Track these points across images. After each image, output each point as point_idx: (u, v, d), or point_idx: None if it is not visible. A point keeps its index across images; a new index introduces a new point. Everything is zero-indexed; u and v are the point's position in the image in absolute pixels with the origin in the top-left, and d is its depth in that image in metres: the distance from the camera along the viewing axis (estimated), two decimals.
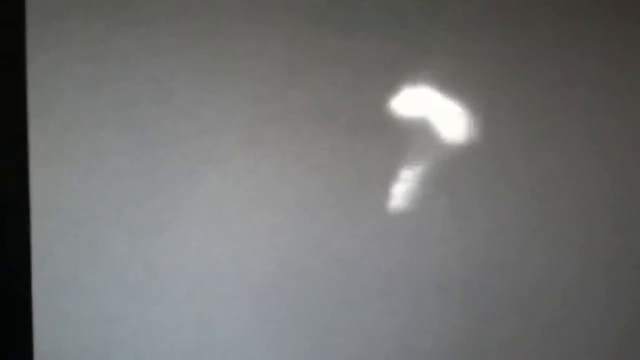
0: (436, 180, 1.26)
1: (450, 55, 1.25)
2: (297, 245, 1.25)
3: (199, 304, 1.23)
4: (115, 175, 1.21)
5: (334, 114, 1.24)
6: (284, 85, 1.23)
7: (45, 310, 1.21)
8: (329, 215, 1.25)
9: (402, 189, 1.26)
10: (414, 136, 1.26)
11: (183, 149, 1.22)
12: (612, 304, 1.30)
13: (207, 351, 1.24)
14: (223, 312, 1.24)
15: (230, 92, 1.22)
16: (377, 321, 1.27)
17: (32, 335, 1.21)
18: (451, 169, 1.26)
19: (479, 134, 1.26)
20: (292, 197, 1.24)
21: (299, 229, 1.25)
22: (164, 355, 1.23)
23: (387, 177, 1.26)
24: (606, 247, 1.29)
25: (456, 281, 1.27)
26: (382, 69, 1.25)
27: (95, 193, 1.21)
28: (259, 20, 1.22)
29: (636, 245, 1.30)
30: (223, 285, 1.24)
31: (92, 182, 1.21)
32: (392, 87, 1.25)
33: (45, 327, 1.22)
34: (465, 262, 1.27)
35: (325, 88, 1.24)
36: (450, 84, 1.26)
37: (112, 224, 1.21)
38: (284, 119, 1.23)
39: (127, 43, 1.20)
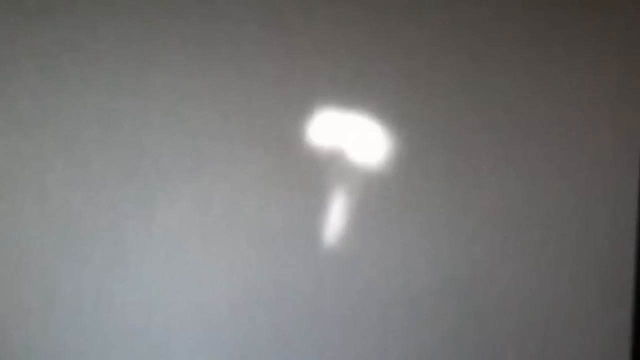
0: (409, 200, 1.24)
1: (425, 61, 1.23)
2: (256, 274, 1.23)
3: (156, 337, 1.22)
4: (64, 211, 1.20)
5: (292, 138, 1.22)
6: (236, 116, 1.22)
7: (1, 347, 1.21)
8: (289, 241, 1.23)
9: (374, 208, 1.24)
10: (387, 155, 1.24)
11: (129, 183, 1.21)
12: (603, 308, 1.26)
13: None
14: (180, 344, 1.22)
15: (179, 125, 1.21)
16: (349, 341, 1.24)
17: None
18: (424, 188, 1.24)
19: (454, 151, 1.24)
20: (248, 223, 1.22)
21: (257, 257, 1.23)
22: None
23: (355, 197, 1.23)
24: (596, 252, 1.26)
25: (429, 298, 1.24)
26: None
27: (42, 229, 1.20)
28: (212, 49, 1.22)
29: (627, 249, 1.26)
30: (180, 318, 1.22)
31: (38, 218, 1.20)
32: (361, 103, 1.23)
33: None
34: (438, 279, 1.24)
35: (282, 112, 1.22)
36: (427, 97, 1.24)
37: (64, 260, 1.21)
38: (235, 150, 1.22)
39: (69, 76, 1.20)
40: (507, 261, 1.25)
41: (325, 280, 1.24)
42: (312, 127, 1.23)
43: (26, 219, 1.20)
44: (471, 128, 1.25)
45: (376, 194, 1.24)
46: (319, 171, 1.23)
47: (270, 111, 1.22)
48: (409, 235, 1.24)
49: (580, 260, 1.26)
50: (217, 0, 1.22)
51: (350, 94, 1.24)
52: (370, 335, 1.24)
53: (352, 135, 1.24)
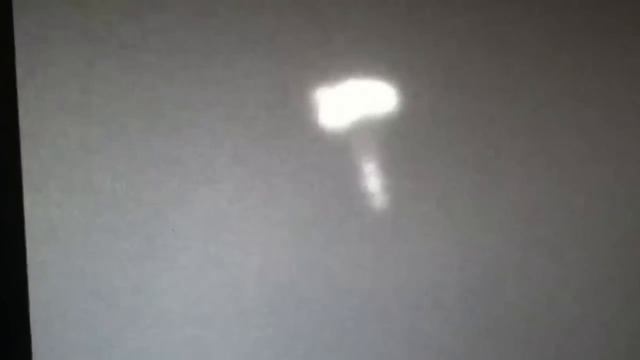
0: (431, 195, 1.26)
1: (439, 67, 1.25)
2: (290, 266, 1.24)
3: (193, 327, 1.23)
4: (108, 200, 1.21)
5: (324, 133, 1.24)
6: (275, 105, 1.23)
7: (43, 337, 1.21)
8: (323, 232, 1.25)
9: (397, 206, 1.25)
10: (409, 151, 1.25)
11: (171, 171, 1.22)
12: (612, 317, 1.29)
13: None
14: (217, 335, 1.24)
15: (220, 113, 1.22)
16: (374, 341, 1.26)
17: None
18: (447, 183, 1.26)
19: (474, 146, 1.26)
20: (283, 217, 1.24)
21: (292, 249, 1.24)
22: None
23: (381, 195, 1.25)
24: (607, 259, 1.28)
25: (453, 297, 1.27)
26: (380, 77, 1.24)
27: (86, 218, 1.21)
28: (248, 41, 1.22)
29: (637, 256, 1.29)
30: (217, 308, 1.24)
31: (83, 207, 1.21)
32: (380, 98, 1.25)
33: (43, 354, 1.22)
34: (462, 278, 1.27)
35: (314, 107, 1.23)
36: (449, 98, 1.25)
37: (106, 249, 1.21)
38: (274, 139, 1.23)
39: (115, 66, 1.20)
40: (535, 255, 1.27)
41: (355, 280, 1.26)
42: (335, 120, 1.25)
43: (70, 204, 1.20)
44: (498, 115, 1.26)
45: (406, 187, 1.25)
46: (348, 165, 1.25)
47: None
48: (438, 230, 1.26)
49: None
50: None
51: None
52: (399, 332, 1.27)
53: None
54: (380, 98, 1.24)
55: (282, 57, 1.22)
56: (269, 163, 1.23)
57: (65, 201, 1.20)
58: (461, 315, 1.27)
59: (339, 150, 1.24)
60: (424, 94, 1.24)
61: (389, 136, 1.25)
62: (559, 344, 1.28)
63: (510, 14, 1.25)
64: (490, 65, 1.25)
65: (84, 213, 1.21)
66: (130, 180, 1.21)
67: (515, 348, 1.28)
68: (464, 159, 1.25)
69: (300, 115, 1.23)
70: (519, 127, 1.26)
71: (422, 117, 1.25)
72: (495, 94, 1.25)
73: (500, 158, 1.26)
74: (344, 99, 1.24)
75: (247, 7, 1.22)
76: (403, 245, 1.25)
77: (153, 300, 1.22)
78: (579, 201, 1.27)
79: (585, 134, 1.27)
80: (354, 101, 1.24)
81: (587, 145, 1.27)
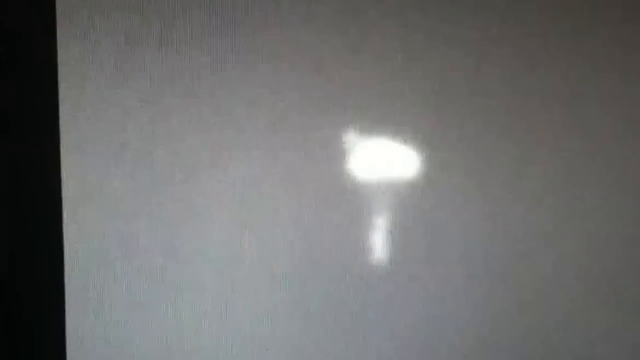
0: (461, 168, 1.26)
1: (475, 38, 1.25)
2: (322, 233, 1.26)
3: (223, 291, 1.25)
4: (143, 163, 1.23)
5: (359, 101, 1.24)
6: (309, 72, 1.24)
7: (77, 296, 1.24)
8: (354, 201, 1.25)
9: (426, 177, 1.26)
10: (441, 121, 1.25)
11: (207, 136, 1.23)
12: None
13: (231, 336, 1.26)
14: (247, 299, 1.25)
15: (255, 80, 1.24)
16: (401, 310, 1.27)
17: (65, 322, 1.24)
18: (477, 157, 1.26)
19: (507, 118, 1.25)
20: (317, 184, 1.25)
21: (323, 216, 1.25)
22: (189, 338, 1.25)
23: (411, 164, 1.25)
24: (638, 238, 1.27)
25: (483, 268, 1.26)
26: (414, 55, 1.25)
27: (122, 181, 1.23)
28: (282, 11, 1.23)
29: None
30: (247, 273, 1.25)
31: (119, 170, 1.23)
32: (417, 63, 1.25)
33: (76, 313, 1.24)
34: (492, 249, 1.26)
35: (348, 77, 1.24)
36: (476, 68, 1.25)
37: (140, 212, 1.23)
38: (308, 106, 1.24)
39: (153, 35, 1.22)
40: (567, 228, 1.26)
41: (385, 248, 1.27)
42: None
43: (104, 168, 1.23)
44: (533, 87, 1.25)
45: (436, 158, 1.26)
46: (379, 134, 1.25)
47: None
48: (468, 200, 1.26)
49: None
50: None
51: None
52: (428, 301, 1.27)
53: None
54: (414, 68, 1.24)
55: (316, 25, 1.23)
56: (302, 130, 1.24)
57: (102, 164, 1.23)
58: (491, 287, 1.26)
59: (371, 120, 1.25)
60: (459, 65, 1.24)
61: (421, 107, 1.25)
62: (589, 319, 1.27)
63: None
64: (527, 37, 1.24)
65: (119, 176, 1.23)
66: (165, 144, 1.23)
67: (544, 321, 1.27)
68: (496, 130, 1.25)
69: (335, 83, 1.24)
70: (553, 100, 1.25)
71: (455, 88, 1.25)
72: (530, 66, 1.25)
73: (533, 130, 1.25)
74: (379, 69, 1.24)
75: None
76: (433, 215, 1.26)
77: (184, 263, 1.24)
78: (613, 175, 1.26)
79: (620, 107, 1.26)
80: (389, 71, 1.24)
81: (622, 118, 1.26)
